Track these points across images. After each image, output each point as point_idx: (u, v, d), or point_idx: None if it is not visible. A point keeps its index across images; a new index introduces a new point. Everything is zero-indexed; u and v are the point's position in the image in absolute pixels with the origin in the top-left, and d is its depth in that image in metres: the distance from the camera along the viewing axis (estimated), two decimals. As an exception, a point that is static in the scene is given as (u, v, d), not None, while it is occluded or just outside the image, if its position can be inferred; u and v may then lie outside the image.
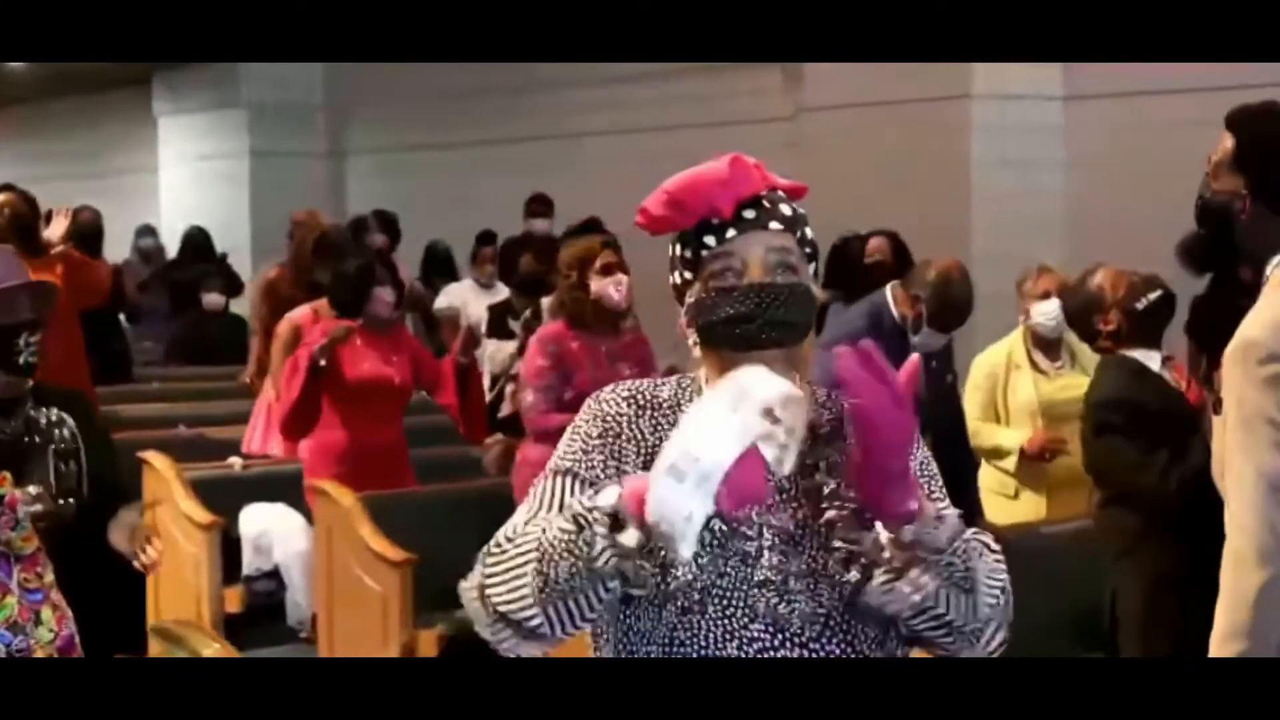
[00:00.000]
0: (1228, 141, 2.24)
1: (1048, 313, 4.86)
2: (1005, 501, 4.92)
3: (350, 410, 4.99)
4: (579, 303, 4.72)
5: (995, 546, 1.79)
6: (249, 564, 5.20)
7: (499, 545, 1.71)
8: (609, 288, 4.69)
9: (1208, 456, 3.24)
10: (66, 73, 12.65)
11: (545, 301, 6.29)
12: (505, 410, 6.24)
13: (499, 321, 6.95)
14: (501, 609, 1.68)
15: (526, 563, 1.66)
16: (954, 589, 1.69)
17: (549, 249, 6.39)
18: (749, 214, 1.79)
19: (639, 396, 1.84)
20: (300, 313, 5.61)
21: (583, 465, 1.78)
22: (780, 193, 1.83)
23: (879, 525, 1.67)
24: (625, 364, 4.77)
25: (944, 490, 1.85)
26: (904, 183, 7.70)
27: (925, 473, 1.83)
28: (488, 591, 1.69)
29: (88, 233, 7.69)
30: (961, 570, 1.69)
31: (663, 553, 1.55)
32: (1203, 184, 2.28)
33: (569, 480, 1.77)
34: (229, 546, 5.17)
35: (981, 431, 4.94)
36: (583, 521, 1.60)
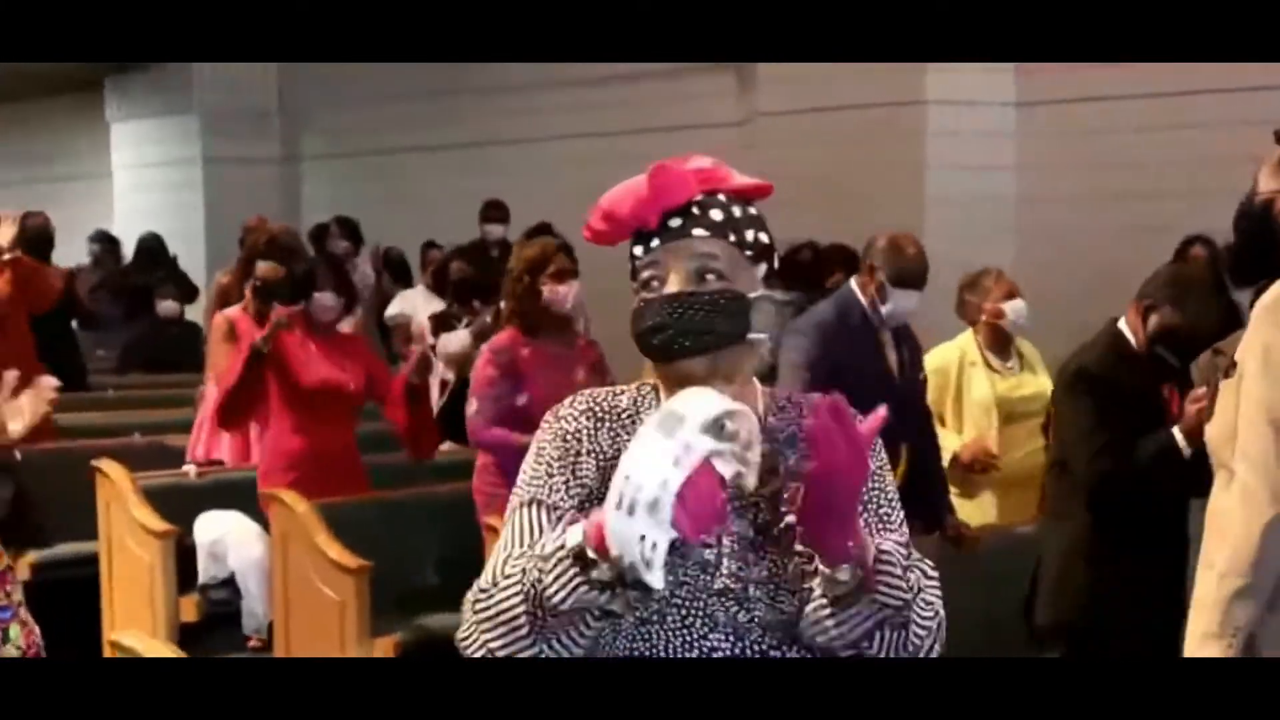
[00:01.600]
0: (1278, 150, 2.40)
1: (1020, 310, 5.02)
2: (957, 500, 4.96)
3: (302, 415, 4.94)
4: (530, 309, 4.66)
5: (932, 572, 1.76)
6: (204, 572, 5.16)
7: (484, 590, 1.69)
8: (560, 293, 4.65)
9: (1162, 450, 3.54)
10: (17, 75, 12.52)
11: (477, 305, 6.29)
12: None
13: (443, 326, 6.92)
14: (500, 654, 1.67)
15: (514, 606, 1.65)
16: (888, 626, 1.68)
17: (504, 255, 6.37)
18: (674, 223, 1.77)
19: (597, 408, 1.82)
20: (234, 308, 5.77)
21: (547, 491, 1.76)
22: (720, 196, 1.79)
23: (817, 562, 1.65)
24: (580, 369, 4.74)
25: (895, 505, 1.82)
26: (857, 187, 7.74)
27: (876, 484, 1.80)
28: (482, 638, 1.68)
29: (37, 238, 7.63)
30: (896, 605, 1.67)
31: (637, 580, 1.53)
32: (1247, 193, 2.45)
33: (537, 511, 1.76)
34: (184, 555, 5.13)
35: None
36: (555, 561, 1.59)
